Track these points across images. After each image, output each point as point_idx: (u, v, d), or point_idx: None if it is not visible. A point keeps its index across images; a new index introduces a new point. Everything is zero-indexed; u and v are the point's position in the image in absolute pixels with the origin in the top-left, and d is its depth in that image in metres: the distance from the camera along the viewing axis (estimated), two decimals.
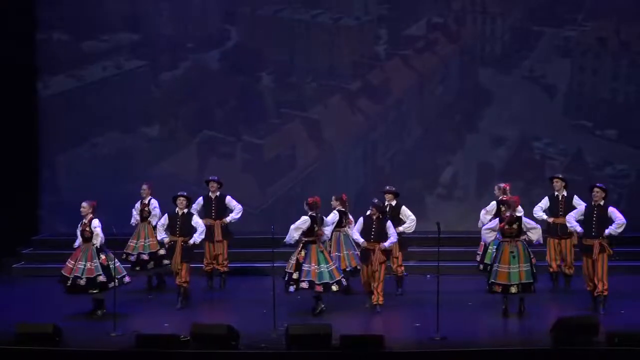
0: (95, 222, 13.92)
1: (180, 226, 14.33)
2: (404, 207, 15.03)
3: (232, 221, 15.72)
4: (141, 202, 15.82)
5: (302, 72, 19.00)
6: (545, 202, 15.38)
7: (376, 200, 14.28)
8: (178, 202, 14.41)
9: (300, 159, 18.99)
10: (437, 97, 19.00)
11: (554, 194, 15.35)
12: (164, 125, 19.11)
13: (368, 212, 14.14)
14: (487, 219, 14.87)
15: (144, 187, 15.85)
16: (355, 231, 14.17)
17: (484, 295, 14.07)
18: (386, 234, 14.06)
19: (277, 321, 12.79)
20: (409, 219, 14.95)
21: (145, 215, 15.70)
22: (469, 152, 18.86)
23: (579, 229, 13.86)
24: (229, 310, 14.35)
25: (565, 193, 15.29)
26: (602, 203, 13.79)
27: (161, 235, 14.41)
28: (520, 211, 14.02)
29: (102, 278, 13.74)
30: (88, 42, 19.08)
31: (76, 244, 14.07)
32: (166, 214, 14.52)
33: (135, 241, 15.65)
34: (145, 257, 15.55)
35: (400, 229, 14.72)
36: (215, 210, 15.67)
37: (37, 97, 19.04)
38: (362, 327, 13.24)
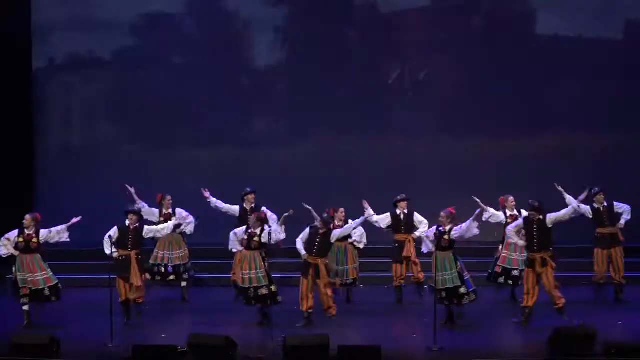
0: (44, 231, 14.24)
1: (132, 240, 14.21)
2: (416, 214, 15.32)
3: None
4: (162, 213, 15.75)
5: None
6: (588, 213, 15.39)
7: (325, 215, 14.29)
8: (129, 217, 14.29)
9: None
10: None
11: (593, 205, 15.37)
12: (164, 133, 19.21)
13: (316, 224, 14.15)
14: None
15: (168, 197, 15.78)
16: (299, 240, 14.12)
17: (482, 306, 14.08)
18: (329, 247, 14.09)
19: (275, 332, 12.77)
20: (422, 224, 15.21)
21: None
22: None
23: (521, 242, 13.88)
24: (227, 321, 14.32)
25: (606, 203, 15.39)
26: (540, 217, 13.78)
27: (110, 249, 14.07)
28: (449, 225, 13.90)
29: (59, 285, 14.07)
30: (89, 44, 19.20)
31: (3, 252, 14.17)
32: (116, 227, 14.29)
33: (163, 252, 15.76)
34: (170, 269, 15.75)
35: (417, 234, 15.05)
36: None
37: (33, 105, 19.05)
38: (359, 337, 13.23)
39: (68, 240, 14.34)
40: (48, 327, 13.61)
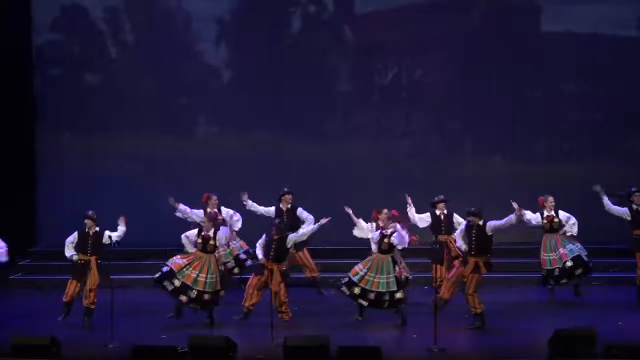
0: None
1: (92, 245, 14.26)
2: (455, 215, 15.24)
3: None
4: (206, 213, 15.51)
5: None
6: (626, 215, 15.26)
7: (277, 221, 14.41)
8: (85, 222, 14.31)
9: None
10: None
11: (632, 207, 15.16)
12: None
13: (272, 230, 14.17)
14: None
15: (214, 197, 15.73)
16: (258, 245, 14.18)
17: (483, 307, 14.06)
18: (286, 252, 14.15)
19: (274, 333, 12.78)
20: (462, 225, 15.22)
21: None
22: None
23: (463, 247, 13.90)
24: (227, 322, 14.32)
25: None
26: (480, 223, 13.84)
27: (70, 252, 14.28)
28: (391, 227, 13.99)
29: None
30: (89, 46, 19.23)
31: None
32: (76, 232, 14.37)
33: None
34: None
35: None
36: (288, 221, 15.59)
37: (35, 108, 19.06)
38: (359, 338, 13.23)
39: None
40: (49, 327, 13.61)
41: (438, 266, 15.26)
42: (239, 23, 19.11)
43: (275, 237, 14.07)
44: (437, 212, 15.32)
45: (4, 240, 14.30)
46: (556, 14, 18.68)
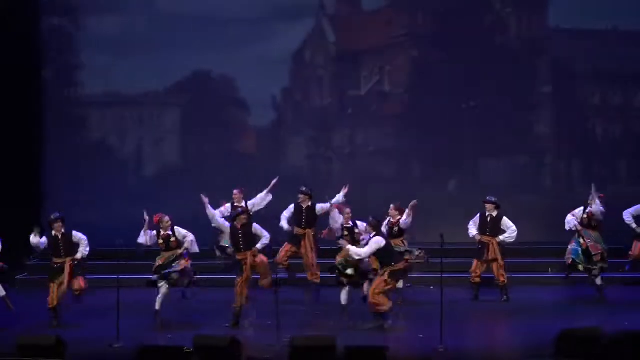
0: None
1: (64, 247, 14.29)
2: (505, 218, 15.31)
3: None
4: (233, 207, 15.59)
5: None
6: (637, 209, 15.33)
7: (239, 208, 14.34)
8: (55, 226, 14.30)
9: None
10: None
11: None
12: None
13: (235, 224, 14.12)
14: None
15: (236, 192, 15.71)
16: (224, 241, 14.35)
17: (487, 306, 14.07)
18: (254, 238, 13.99)
19: (281, 333, 12.78)
20: (510, 230, 15.24)
21: None
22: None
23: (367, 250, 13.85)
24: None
25: None
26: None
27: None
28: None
29: None
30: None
31: None
32: (45, 238, 14.37)
33: None
34: None
35: (501, 238, 15.16)
36: (305, 220, 15.53)
37: (41, 112, 19.10)
38: (366, 338, 13.22)
39: None
40: (54, 327, 13.64)
41: (478, 262, 15.39)
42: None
43: (239, 224, 13.94)
44: (487, 213, 15.38)
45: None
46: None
